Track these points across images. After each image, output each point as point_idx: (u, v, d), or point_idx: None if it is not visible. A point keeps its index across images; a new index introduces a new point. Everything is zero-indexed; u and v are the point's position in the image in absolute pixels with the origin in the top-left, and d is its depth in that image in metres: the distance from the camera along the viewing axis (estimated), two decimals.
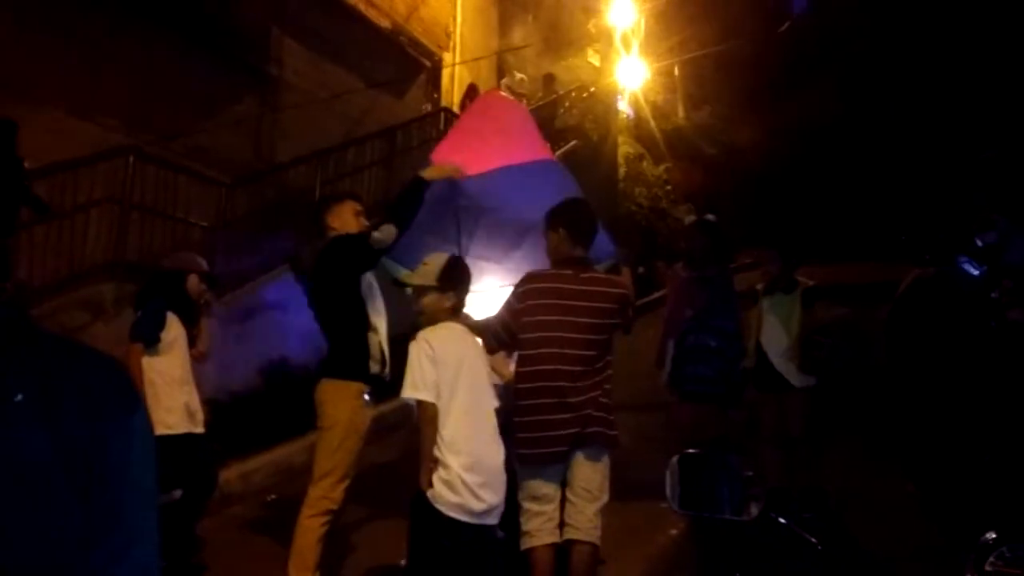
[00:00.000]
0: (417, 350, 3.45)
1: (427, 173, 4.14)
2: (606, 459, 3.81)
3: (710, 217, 6.90)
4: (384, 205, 4.30)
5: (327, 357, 4.16)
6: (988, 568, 1.79)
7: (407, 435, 7.10)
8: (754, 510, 1.76)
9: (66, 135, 7.53)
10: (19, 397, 0.80)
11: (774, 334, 5.64)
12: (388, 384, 4.24)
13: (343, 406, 4.02)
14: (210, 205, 8.74)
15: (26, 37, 7.51)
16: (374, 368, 4.19)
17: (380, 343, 4.48)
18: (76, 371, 0.88)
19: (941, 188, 10.77)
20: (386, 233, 4.04)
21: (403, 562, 3.76)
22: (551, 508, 3.76)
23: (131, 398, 0.93)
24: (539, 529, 3.74)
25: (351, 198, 4.58)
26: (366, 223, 4.39)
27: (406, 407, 7.46)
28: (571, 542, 3.73)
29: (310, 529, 3.94)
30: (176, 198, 8.37)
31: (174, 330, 4.58)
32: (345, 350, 4.11)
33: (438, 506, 3.36)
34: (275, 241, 8.36)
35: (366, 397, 4.12)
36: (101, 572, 0.83)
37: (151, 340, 4.48)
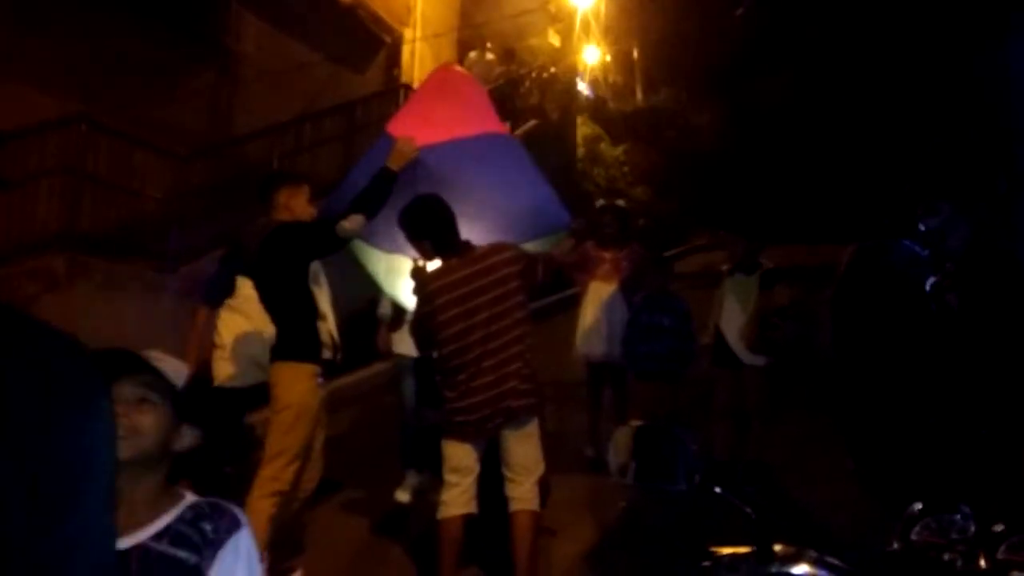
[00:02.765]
0: None
1: (392, 162, 4.13)
2: (535, 428, 3.92)
3: (620, 203, 7.26)
4: (351, 196, 4.24)
5: (277, 342, 4.13)
6: (914, 537, 1.88)
7: (360, 409, 7.21)
8: (695, 480, 1.84)
9: (19, 105, 7.38)
10: None
11: (732, 313, 5.80)
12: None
13: (296, 388, 4.01)
14: (166, 178, 8.63)
15: None
16: (326, 355, 4.22)
17: (330, 330, 4.51)
18: (30, 352, 0.80)
19: (890, 172, 11.03)
20: (355, 223, 4.00)
21: None
22: (468, 481, 3.89)
23: (90, 380, 0.86)
24: (454, 500, 3.87)
25: (307, 182, 4.53)
26: (314, 210, 4.37)
27: (360, 382, 7.57)
28: (514, 512, 3.87)
29: (259, 510, 3.94)
30: (131, 170, 8.25)
31: (244, 291, 4.78)
32: (295, 334, 4.10)
33: None
34: (231, 215, 8.30)
35: (319, 379, 4.13)
36: (51, 561, 0.77)
37: (214, 302, 4.91)
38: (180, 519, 1.64)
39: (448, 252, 3.93)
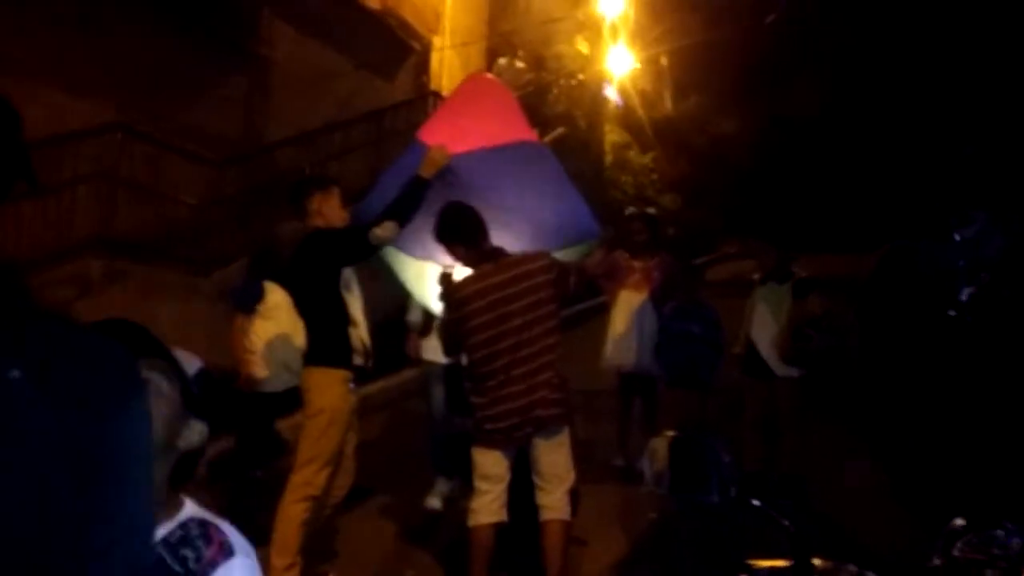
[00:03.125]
0: None
1: (424, 170, 4.15)
2: (565, 437, 3.92)
3: (651, 211, 7.20)
4: (380, 202, 4.27)
5: (310, 347, 4.17)
6: (956, 553, 1.85)
7: (390, 416, 7.23)
8: (731, 493, 1.82)
9: (56, 111, 7.50)
10: (15, 374, 0.75)
11: (764, 323, 5.75)
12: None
13: (328, 393, 4.05)
14: (199, 184, 8.73)
15: (16, 14, 7.46)
16: (357, 361, 4.25)
17: (361, 337, 4.54)
18: (76, 351, 0.83)
19: (925, 180, 10.89)
20: (388, 231, 4.03)
21: None
22: (500, 488, 3.88)
23: (131, 380, 0.89)
24: (485, 508, 3.87)
25: (337, 185, 4.56)
26: (347, 214, 4.40)
27: (390, 388, 7.60)
28: (545, 522, 3.86)
29: (292, 515, 3.97)
30: (165, 176, 8.36)
31: (274, 297, 4.90)
32: (328, 339, 4.14)
33: None
34: (263, 221, 8.38)
35: (351, 385, 4.15)
36: (95, 558, 0.79)
37: (246, 308, 5.03)
38: (166, 541, 1.44)
39: (481, 258, 3.93)
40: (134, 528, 0.86)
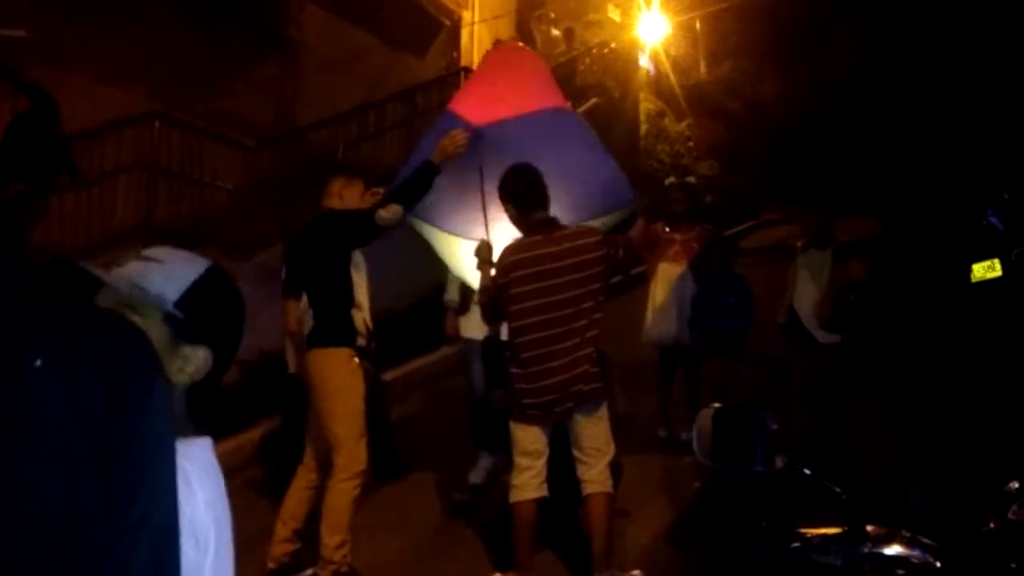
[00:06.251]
0: None
1: (435, 157, 4.14)
2: (604, 410, 3.91)
3: (691, 179, 7.05)
4: (393, 185, 4.29)
5: (314, 329, 4.21)
6: (1011, 516, 1.81)
7: (430, 393, 7.27)
8: (779, 462, 1.79)
9: (91, 100, 7.59)
10: (38, 362, 0.77)
11: (805, 290, 5.66)
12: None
13: (334, 371, 4.10)
14: (236, 169, 8.80)
15: (49, 3, 7.54)
16: (360, 342, 4.27)
17: (364, 319, 4.55)
18: (94, 337, 0.86)
19: (972, 142, 10.61)
20: (393, 213, 4.05)
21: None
22: (540, 463, 3.88)
23: (149, 365, 0.91)
24: (526, 484, 3.86)
25: (364, 179, 4.57)
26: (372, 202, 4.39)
27: (429, 366, 7.64)
28: (588, 496, 3.86)
29: (344, 492, 4.03)
30: (201, 162, 8.45)
31: None
32: (332, 321, 4.17)
33: None
34: (299, 204, 8.43)
35: (355, 360, 4.16)
36: (120, 538, 0.82)
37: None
38: None
39: (532, 226, 3.89)
40: (160, 505, 0.88)
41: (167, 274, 1.35)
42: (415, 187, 4.13)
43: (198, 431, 1.28)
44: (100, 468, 0.80)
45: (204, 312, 1.35)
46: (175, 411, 1.23)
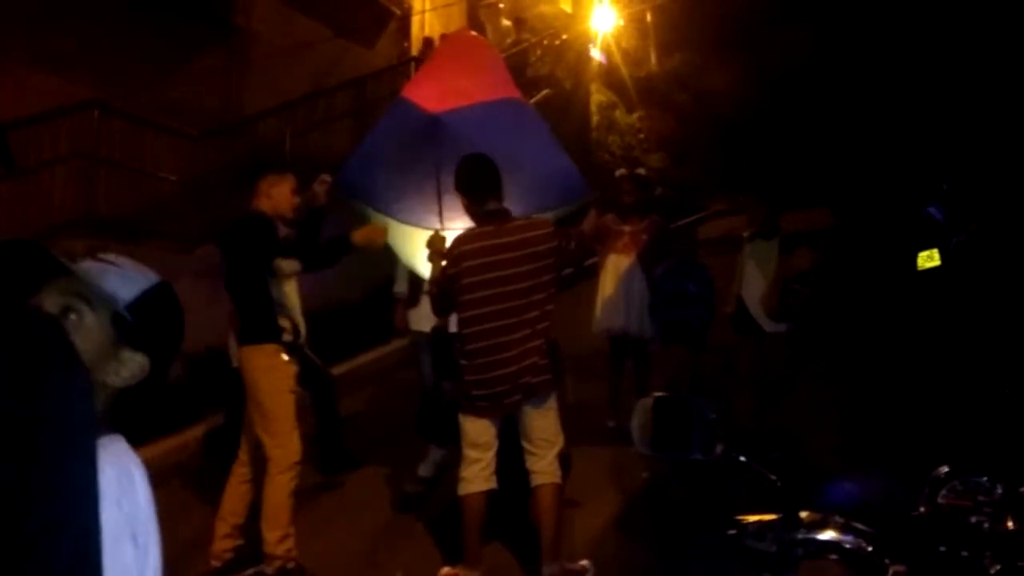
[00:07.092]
0: None
1: (357, 237, 4.23)
2: (553, 401, 3.93)
3: (641, 171, 7.11)
4: (302, 234, 4.37)
5: (241, 327, 4.27)
6: (940, 501, 1.85)
7: (380, 387, 7.23)
8: (718, 450, 1.81)
9: (30, 91, 7.39)
10: None
11: (753, 280, 5.72)
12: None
13: (260, 367, 4.12)
14: (180, 159, 8.64)
15: None
16: (287, 337, 4.26)
17: (292, 317, 4.54)
18: (9, 330, 0.83)
19: (913, 134, 10.84)
20: (289, 268, 4.18)
21: None
22: (489, 455, 3.89)
23: (67, 358, 0.88)
24: (475, 476, 3.87)
25: (293, 173, 4.54)
26: (297, 201, 4.40)
27: (379, 360, 7.59)
28: (537, 487, 3.87)
29: (280, 485, 4.02)
30: (144, 152, 8.26)
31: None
32: (254, 319, 4.20)
33: None
34: (246, 194, 8.30)
35: (282, 355, 4.17)
36: (38, 537, 0.79)
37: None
38: None
39: (485, 217, 3.88)
40: (79, 503, 0.85)
41: (123, 277, 1.37)
42: (323, 255, 4.30)
43: (111, 432, 1.27)
44: (14, 462, 0.77)
45: (150, 320, 1.37)
46: (99, 411, 1.30)
